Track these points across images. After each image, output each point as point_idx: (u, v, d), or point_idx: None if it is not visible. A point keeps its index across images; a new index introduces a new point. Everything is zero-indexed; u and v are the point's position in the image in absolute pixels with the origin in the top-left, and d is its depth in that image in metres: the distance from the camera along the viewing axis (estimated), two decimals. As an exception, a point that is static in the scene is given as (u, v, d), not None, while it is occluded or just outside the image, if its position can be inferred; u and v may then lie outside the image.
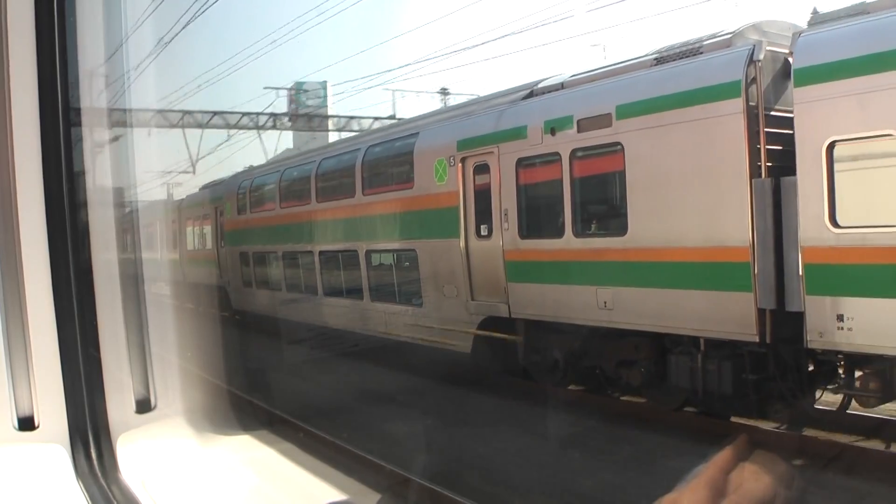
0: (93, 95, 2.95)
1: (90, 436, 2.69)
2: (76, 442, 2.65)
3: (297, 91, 47.40)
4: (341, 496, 4.98)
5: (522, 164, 10.40)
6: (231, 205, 19.27)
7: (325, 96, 46.64)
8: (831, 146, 7.04)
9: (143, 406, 2.92)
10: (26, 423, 2.57)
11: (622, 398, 10.08)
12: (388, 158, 13.43)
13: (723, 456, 1.28)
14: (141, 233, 3.54)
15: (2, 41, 2.49)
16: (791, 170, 7.41)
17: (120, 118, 3.37)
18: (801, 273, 7.31)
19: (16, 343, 2.56)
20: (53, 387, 2.59)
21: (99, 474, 2.65)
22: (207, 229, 21.14)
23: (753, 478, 1.25)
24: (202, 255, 20.91)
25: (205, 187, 22.65)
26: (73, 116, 2.69)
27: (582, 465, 7.88)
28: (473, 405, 10.54)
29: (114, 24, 3.12)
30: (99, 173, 3.05)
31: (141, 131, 3.56)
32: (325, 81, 49.61)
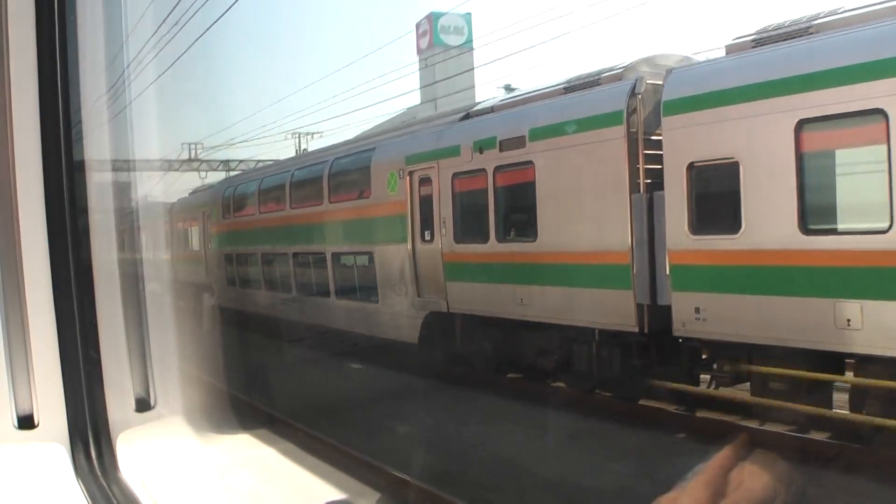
0: (93, 95, 2.88)
1: (90, 435, 2.65)
2: (76, 441, 2.61)
3: (435, 24, 40.40)
4: (340, 495, 4.96)
5: (457, 178, 11.57)
6: (216, 209, 20.39)
7: (470, 33, 40.41)
8: (690, 166, 8.19)
9: (143, 405, 2.87)
10: (26, 422, 2.53)
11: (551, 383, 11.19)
12: (351, 170, 14.57)
13: (722, 455, 1.24)
14: (140, 233, 3.48)
15: (2, 41, 2.45)
16: (662, 186, 8.55)
17: (120, 118, 3.30)
18: (668, 273, 8.44)
19: (16, 342, 2.53)
20: (53, 385, 2.55)
21: (98, 473, 2.61)
22: (196, 232, 22.24)
23: (753, 477, 1.22)
24: (191, 256, 22.00)
25: (194, 192, 23.76)
26: (73, 116, 2.64)
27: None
28: (409, 386, 11.79)
29: (114, 23, 3.09)
30: (99, 174, 2.99)
31: (141, 131, 3.48)
32: (469, 14, 41.52)
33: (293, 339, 15.96)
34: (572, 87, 10.28)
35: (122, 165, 3.26)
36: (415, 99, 37.95)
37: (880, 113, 6.76)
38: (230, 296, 19.41)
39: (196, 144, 30.23)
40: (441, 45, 39.63)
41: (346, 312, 14.63)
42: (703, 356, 8.84)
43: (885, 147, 6.72)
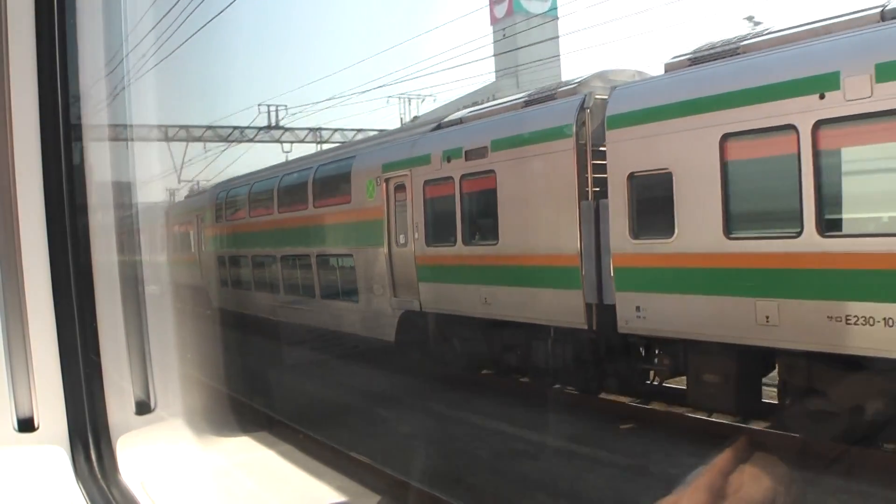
0: (93, 97, 2.89)
1: (90, 437, 2.64)
2: (76, 443, 2.60)
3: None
4: (340, 498, 5.00)
5: (428, 185, 12.17)
6: (210, 213, 21.01)
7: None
8: (630, 176, 8.78)
9: (143, 408, 2.86)
10: (26, 425, 2.51)
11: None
12: (333, 177, 15.18)
13: (722, 459, 1.25)
14: (140, 235, 3.46)
15: (2, 42, 2.43)
16: (607, 194, 9.15)
17: (120, 120, 3.29)
18: (612, 274, 9.04)
19: (16, 344, 2.51)
20: (53, 388, 2.54)
21: (98, 476, 2.59)
22: (191, 234, 22.84)
23: (753, 480, 1.22)
24: (186, 258, 22.59)
25: (189, 196, 24.38)
26: (73, 118, 2.63)
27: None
28: (384, 379, 12.45)
29: (114, 24, 3.07)
30: (99, 175, 2.96)
31: (141, 132, 3.46)
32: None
33: (282, 338, 16.54)
34: (531, 101, 10.88)
35: (123, 166, 3.23)
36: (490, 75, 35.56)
37: (792, 128, 7.35)
38: (223, 297, 20.02)
39: (279, 107, 28.99)
40: (522, 13, 36.06)
41: (329, 312, 15.25)
42: (645, 351, 9.43)
43: (795, 159, 7.32)
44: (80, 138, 2.75)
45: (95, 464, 2.62)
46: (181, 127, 28.44)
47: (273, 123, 30.02)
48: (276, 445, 6.43)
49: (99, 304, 2.76)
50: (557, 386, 10.74)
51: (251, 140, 30.51)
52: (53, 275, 2.55)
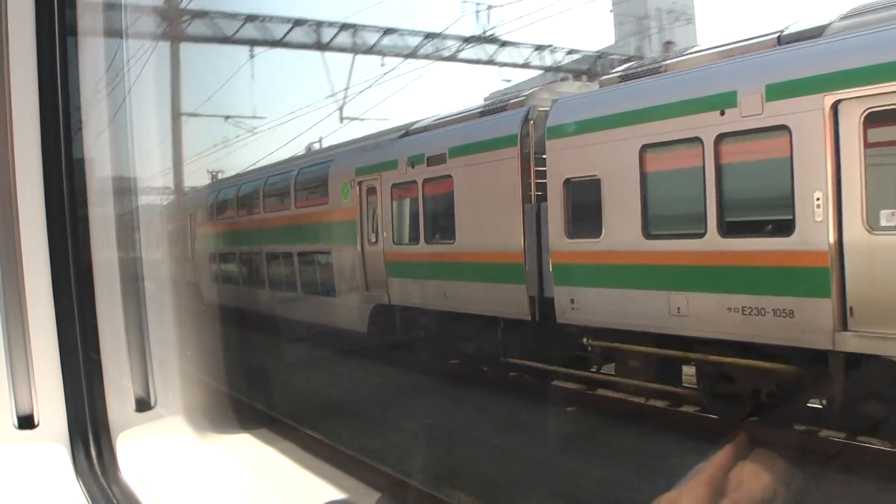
0: (93, 95, 2.84)
1: (90, 434, 2.63)
2: (76, 440, 2.59)
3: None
4: (340, 495, 4.91)
5: (395, 188, 13.01)
6: (201, 212, 21.84)
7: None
8: (566, 182, 9.61)
9: (143, 405, 2.84)
10: (26, 422, 2.50)
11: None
12: (313, 179, 16.02)
13: (722, 454, 1.23)
14: (140, 232, 3.41)
15: (2, 41, 2.41)
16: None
17: (120, 118, 3.23)
18: (550, 270, 9.87)
19: (16, 341, 2.50)
20: (53, 385, 2.52)
21: (98, 473, 2.58)
22: (185, 233, 23.63)
23: (753, 476, 1.20)
24: (181, 255, 23.36)
25: (182, 195, 25.14)
26: (73, 116, 2.60)
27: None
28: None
29: (114, 23, 3.04)
30: (99, 173, 2.93)
31: (141, 131, 3.44)
32: None
33: (266, 331, 17.33)
34: (486, 112, 11.71)
35: (123, 165, 3.20)
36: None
37: (698, 140, 8.17)
38: (213, 292, 20.85)
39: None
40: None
41: (310, 305, 16.10)
42: (581, 339, 10.26)
43: (701, 168, 8.14)
44: (80, 137, 2.72)
45: (95, 461, 2.60)
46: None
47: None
48: (276, 442, 6.44)
49: (99, 302, 2.74)
50: (513, 374, 11.59)
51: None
52: (53, 272, 2.54)
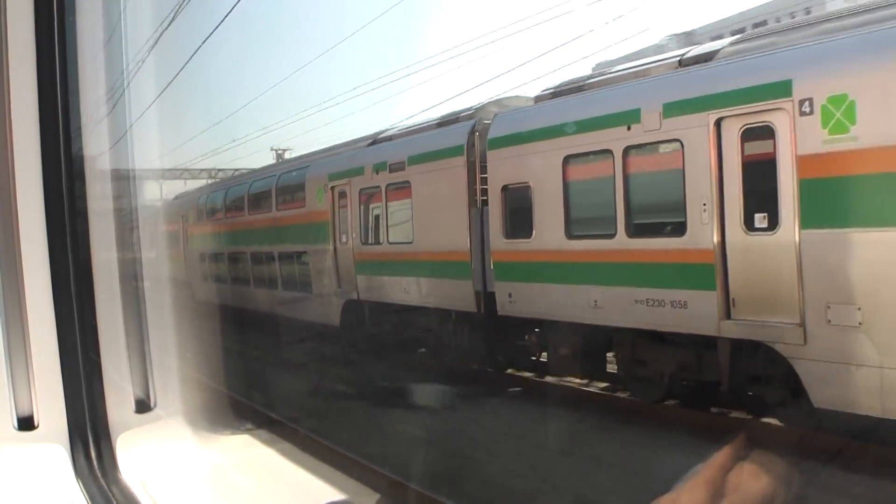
0: (93, 95, 2.85)
1: (90, 435, 2.62)
2: (76, 442, 2.58)
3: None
4: (339, 496, 4.92)
5: (363, 192, 13.98)
6: (193, 214, 22.86)
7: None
8: (504, 188, 10.57)
9: (143, 406, 2.84)
10: (26, 423, 2.49)
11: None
12: (292, 184, 17.00)
13: (721, 455, 1.23)
14: (140, 233, 3.40)
15: (2, 41, 2.40)
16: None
17: (119, 118, 3.24)
18: (492, 268, 10.83)
19: (15, 343, 2.49)
20: (53, 387, 2.52)
21: (98, 474, 2.57)
22: (178, 234, 24.62)
23: (752, 478, 1.20)
24: (174, 255, 24.33)
25: (176, 198, 26.17)
26: (72, 117, 2.60)
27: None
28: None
29: (114, 22, 3.03)
30: (98, 174, 2.93)
31: (140, 131, 3.42)
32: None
33: (250, 325, 18.31)
34: (442, 123, 12.67)
35: (122, 165, 3.19)
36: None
37: (609, 152, 9.12)
38: (203, 290, 21.86)
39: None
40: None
41: (289, 301, 17.08)
42: (519, 330, 11.23)
43: (612, 177, 9.09)
44: (79, 137, 2.71)
45: (95, 462, 2.59)
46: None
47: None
48: (274, 444, 6.44)
49: (98, 303, 2.73)
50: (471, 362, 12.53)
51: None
52: (53, 274, 2.52)
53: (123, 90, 3.26)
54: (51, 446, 2.53)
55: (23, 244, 2.48)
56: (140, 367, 2.88)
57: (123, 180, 3.24)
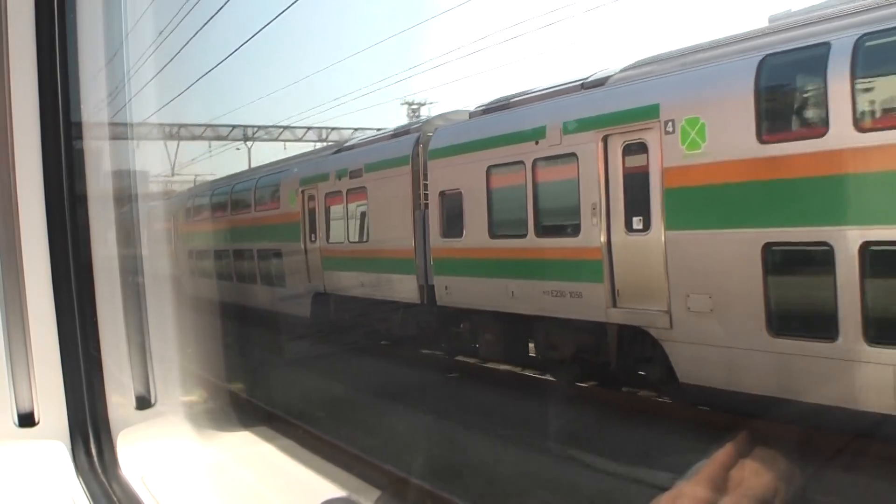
0: (93, 92, 2.83)
1: (90, 432, 2.61)
2: (76, 438, 2.57)
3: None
4: (341, 493, 4.89)
5: (328, 196, 15.33)
6: (182, 213, 24.23)
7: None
8: (441, 193, 11.89)
9: (143, 402, 2.83)
10: (27, 420, 2.49)
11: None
12: (269, 187, 18.35)
13: (723, 453, 1.23)
14: (140, 230, 3.35)
15: (2, 41, 2.39)
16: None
17: (120, 116, 3.24)
18: (431, 263, 12.15)
19: (16, 339, 2.48)
20: (53, 383, 2.51)
21: (99, 470, 2.56)
22: (169, 232, 25.97)
23: (754, 475, 1.21)
24: (166, 252, 25.67)
25: (167, 198, 27.51)
26: (73, 113, 2.57)
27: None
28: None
29: (114, 22, 3.03)
30: (98, 171, 2.92)
31: (140, 129, 3.42)
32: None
33: (235, 317, 19.61)
34: (395, 134, 14.00)
35: (122, 162, 3.17)
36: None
37: (522, 164, 10.42)
38: (191, 285, 23.21)
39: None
40: None
41: (266, 295, 18.44)
42: (455, 319, 12.55)
43: (524, 184, 10.40)
44: (79, 133, 2.70)
45: (96, 458, 2.58)
46: (181, 125, 28.86)
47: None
48: (276, 440, 6.31)
49: (99, 299, 2.72)
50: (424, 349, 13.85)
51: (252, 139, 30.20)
52: (53, 270, 2.52)
53: (125, 85, 3.26)
54: (51, 443, 2.52)
55: (23, 240, 2.48)
56: (140, 363, 2.88)
57: (123, 177, 3.21)
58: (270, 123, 30.59)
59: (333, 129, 30.79)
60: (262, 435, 5.80)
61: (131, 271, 3.14)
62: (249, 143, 30.37)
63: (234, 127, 30.27)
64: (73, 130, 2.63)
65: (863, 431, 7.22)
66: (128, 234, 3.22)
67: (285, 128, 30.47)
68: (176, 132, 28.68)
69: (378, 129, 17.54)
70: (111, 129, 3.20)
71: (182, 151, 29.06)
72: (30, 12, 2.43)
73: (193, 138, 29.85)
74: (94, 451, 2.59)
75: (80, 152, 2.73)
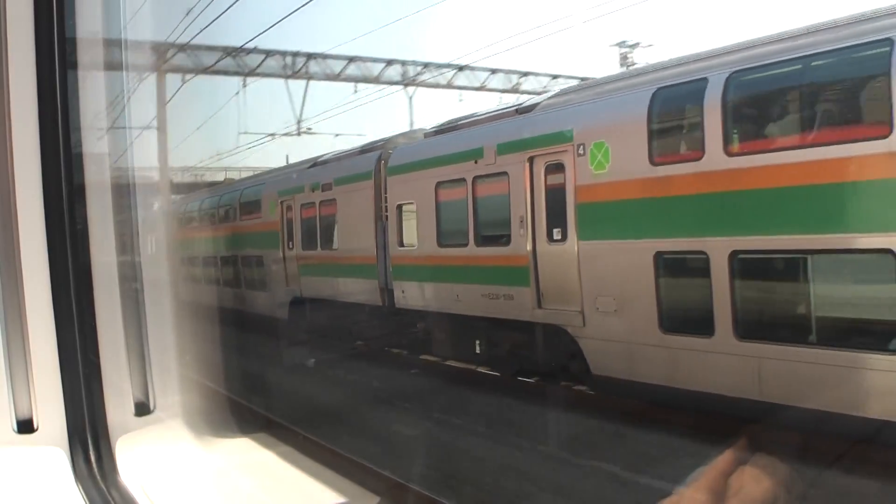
0: (93, 96, 2.81)
1: (89, 438, 2.58)
2: (75, 445, 2.54)
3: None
4: (339, 499, 4.87)
5: (303, 207, 16.55)
6: (176, 221, 25.49)
7: None
8: (398, 206, 13.10)
9: (142, 409, 2.82)
10: (25, 426, 2.47)
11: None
12: (252, 197, 19.61)
13: (723, 459, 1.23)
14: (139, 236, 3.30)
15: (1, 41, 2.38)
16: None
17: (120, 120, 3.21)
18: (390, 269, 13.35)
19: (15, 345, 2.47)
20: (52, 389, 2.49)
21: (98, 477, 2.54)
22: (166, 238, 27.16)
23: (754, 481, 1.20)
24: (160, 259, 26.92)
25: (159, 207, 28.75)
26: (72, 117, 2.56)
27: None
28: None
29: (113, 23, 3.02)
30: (98, 176, 2.91)
31: (141, 132, 3.41)
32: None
33: (218, 320, 20.78)
34: (364, 150, 15.24)
35: (122, 168, 3.17)
36: None
37: (464, 181, 11.62)
38: (184, 290, 24.44)
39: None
40: None
41: (249, 298, 19.66)
42: (412, 319, 13.72)
43: (465, 199, 11.59)
44: (79, 139, 2.69)
45: (95, 465, 2.56)
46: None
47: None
48: (275, 447, 6.42)
49: (98, 305, 2.71)
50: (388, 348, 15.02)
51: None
52: (52, 276, 2.50)
53: (125, 89, 3.24)
54: (50, 449, 2.51)
55: (22, 246, 2.47)
56: (139, 369, 2.86)
57: (123, 183, 3.19)
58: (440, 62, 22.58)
59: (527, 73, 23.90)
60: (261, 442, 6.01)
61: (130, 276, 3.16)
62: (411, 90, 22.84)
63: (389, 62, 22.50)
64: (73, 135, 2.63)
65: (734, 416, 8.34)
66: (127, 240, 3.22)
67: (461, 68, 22.90)
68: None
69: (582, 79, 15.06)
70: (111, 133, 3.19)
71: (182, 153, 30.05)
72: (29, 13, 2.43)
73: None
74: (93, 457, 2.58)
75: (80, 156, 2.72)
